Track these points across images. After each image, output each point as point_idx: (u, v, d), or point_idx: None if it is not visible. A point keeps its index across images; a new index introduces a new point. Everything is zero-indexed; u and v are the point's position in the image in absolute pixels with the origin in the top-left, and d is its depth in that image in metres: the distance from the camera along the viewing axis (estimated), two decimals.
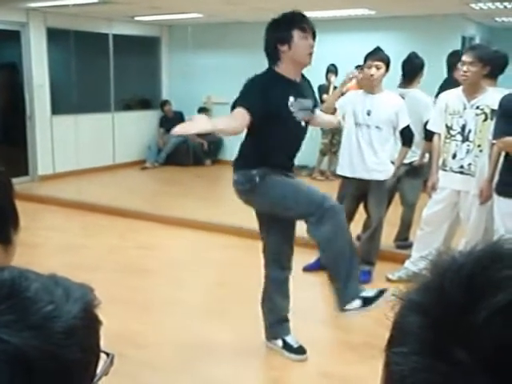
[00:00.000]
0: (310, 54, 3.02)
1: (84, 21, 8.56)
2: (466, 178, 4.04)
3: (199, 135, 9.71)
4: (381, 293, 3.07)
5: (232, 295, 3.49)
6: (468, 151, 4.03)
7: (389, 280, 4.47)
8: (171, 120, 9.83)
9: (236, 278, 4.05)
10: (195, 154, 9.70)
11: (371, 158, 4.28)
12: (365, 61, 4.32)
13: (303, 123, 3.15)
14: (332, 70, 7.99)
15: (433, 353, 0.46)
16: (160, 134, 9.89)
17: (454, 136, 4.09)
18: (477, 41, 8.22)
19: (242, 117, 2.87)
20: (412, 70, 4.84)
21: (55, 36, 8.37)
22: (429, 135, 4.42)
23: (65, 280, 0.65)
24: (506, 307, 0.45)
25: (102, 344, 0.70)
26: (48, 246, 5.54)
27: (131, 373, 3.04)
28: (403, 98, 4.45)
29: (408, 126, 4.33)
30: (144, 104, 10.22)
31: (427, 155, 4.79)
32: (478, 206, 3.98)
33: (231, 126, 2.89)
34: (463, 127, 4.03)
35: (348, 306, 3.05)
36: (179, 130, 2.59)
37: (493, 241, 0.51)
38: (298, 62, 3.02)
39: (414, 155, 4.77)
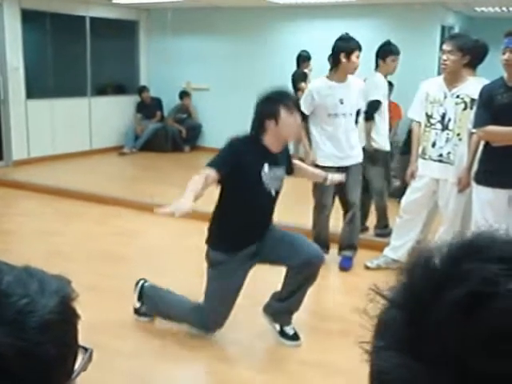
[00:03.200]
0: (295, 132, 3.22)
1: (60, 2, 8.38)
2: (445, 166, 4.06)
3: (178, 121, 9.64)
4: None
5: None
6: (447, 140, 4.04)
7: (367, 268, 4.50)
8: (149, 106, 9.72)
9: None
10: (174, 140, 9.60)
11: (350, 144, 4.39)
12: None
13: (273, 192, 3.19)
14: (306, 56, 7.84)
15: (402, 348, 0.48)
16: (137, 119, 9.74)
17: (433, 125, 4.09)
18: (456, 30, 8.24)
19: (204, 178, 2.93)
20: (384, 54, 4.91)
21: (30, 18, 8.17)
22: (369, 116, 4.73)
23: (40, 272, 0.61)
24: (463, 301, 0.45)
25: (80, 336, 0.67)
26: (23, 233, 5.45)
27: (109, 363, 3.00)
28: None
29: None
30: (121, 89, 10.06)
31: (382, 142, 4.87)
32: (457, 194, 4.01)
33: (199, 193, 2.92)
34: (443, 116, 4.04)
35: None
36: (163, 212, 2.81)
37: (463, 235, 0.52)
38: (282, 137, 3.14)
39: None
